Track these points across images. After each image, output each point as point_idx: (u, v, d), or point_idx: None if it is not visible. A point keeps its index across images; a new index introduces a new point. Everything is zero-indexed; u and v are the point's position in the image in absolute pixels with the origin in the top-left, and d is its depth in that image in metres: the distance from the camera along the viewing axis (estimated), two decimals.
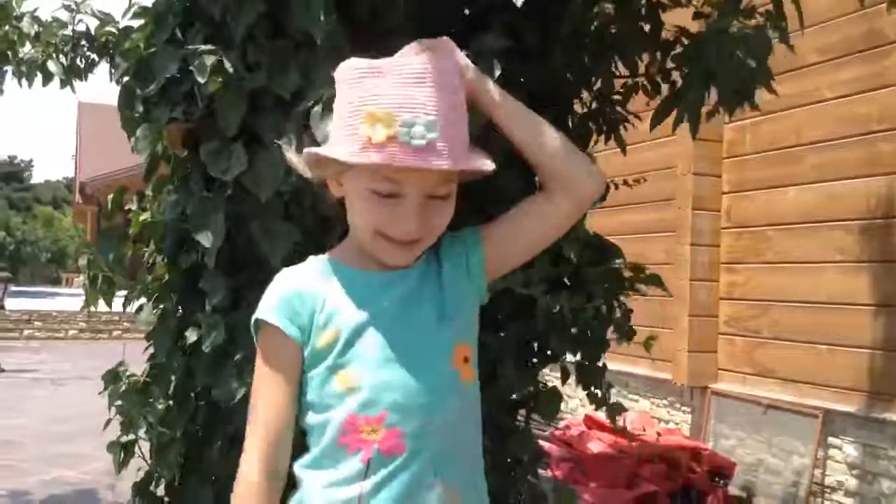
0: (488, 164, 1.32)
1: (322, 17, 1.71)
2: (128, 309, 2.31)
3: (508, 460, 2.26)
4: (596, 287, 2.22)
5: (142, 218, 2.25)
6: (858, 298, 4.73)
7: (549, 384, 2.36)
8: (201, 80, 1.79)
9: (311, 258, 1.43)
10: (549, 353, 2.31)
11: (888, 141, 4.61)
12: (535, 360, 2.32)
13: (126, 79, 2.04)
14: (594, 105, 2.46)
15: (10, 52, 2.97)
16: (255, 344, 1.38)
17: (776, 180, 5.37)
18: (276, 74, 1.81)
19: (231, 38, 1.82)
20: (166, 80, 1.91)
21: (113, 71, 2.30)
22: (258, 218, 1.86)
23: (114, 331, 15.88)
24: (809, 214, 5.11)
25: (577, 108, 2.40)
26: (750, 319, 5.58)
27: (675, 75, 2.33)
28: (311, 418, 1.33)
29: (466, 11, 2.00)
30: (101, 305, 2.35)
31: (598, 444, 5.09)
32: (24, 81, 3.00)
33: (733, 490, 5.17)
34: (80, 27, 2.97)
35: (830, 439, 4.84)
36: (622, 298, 2.38)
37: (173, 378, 2.09)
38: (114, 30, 2.77)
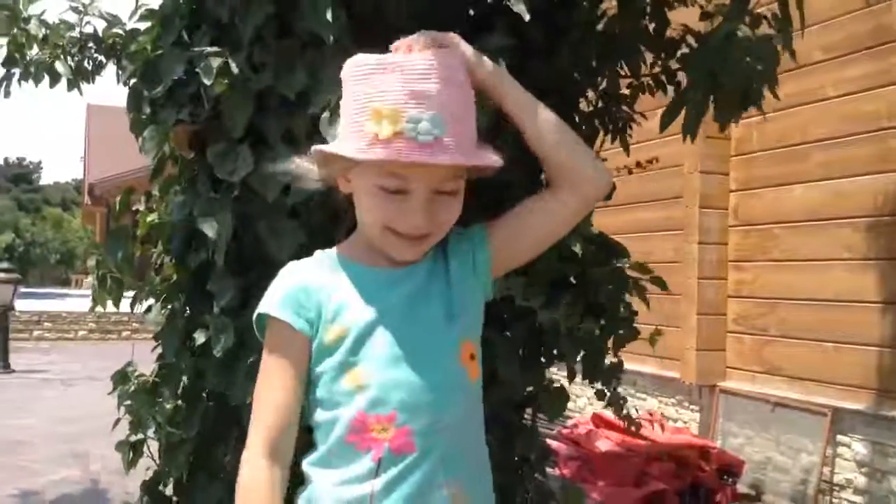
0: (496, 160, 1.32)
1: (329, 17, 1.72)
2: (136, 309, 2.32)
3: (515, 459, 2.26)
4: (601, 288, 2.22)
5: (149, 219, 2.26)
6: (866, 296, 4.72)
7: (557, 383, 2.36)
8: (207, 81, 1.80)
9: (318, 252, 1.43)
10: (554, 352, 2.31)
11: None
12: (541, 359, 2.32)
13: (133, 81, 2.05)
14: (600, 104, 2.46)
15: (17, 55, 2.98)
16: (260, 340, 1.39)
17: (783, 178, 5.37)
18: (283, 74, 1.82)
19: (237, 39, 1.83)
20: (173, 82, 1.92)
21: (120, 73, 2.32)
22: (265, 218, 1.87)
23: (123, 331, 15.92)
24: (817, 212, 5.10)
25: (583, 106, 2.40)
26: (758, 317, 5.57)
27: (681, 76, 2.33)
28: (320, 415, 1.34)
29: (471, 12, 2.00)
30: (110, 306, 2.36)
31: (606, 443, 5.09)
32: (31, 82, 3.01)
33: (742, 488, 5.17)
34: (88, 29, 2.98)
35: (839, 437, 4.84)
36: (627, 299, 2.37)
37: (184, 378, 2.10)
38: (121, 32, 2.78)
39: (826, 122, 5.03)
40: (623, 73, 2.42)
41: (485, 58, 1.38)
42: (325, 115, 1.66)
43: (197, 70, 1.82)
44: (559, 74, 2.11)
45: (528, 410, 2.35)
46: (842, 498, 4.80)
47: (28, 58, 2.98)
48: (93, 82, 3.07)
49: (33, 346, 14.53)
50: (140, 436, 2.30)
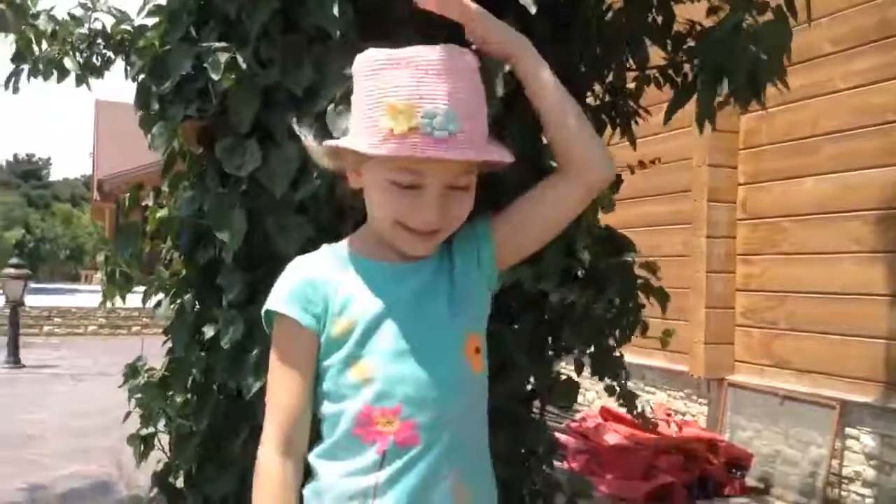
0: (507, 156, 1.32)
1: (336, 12, 1.73)
2: (146, 304, 2.33)
3: (522, 451, 2.26)
4: (608, 282, 2.22)
5: (159, 214, 2.27)
6: (874, 289, 4.71)
7: (566, 376, 2.36)
8: (215, 77, 1.80)
9: (325, 246, 1.44)
10: (563, 343, 2.32)
11: None
12: (550, 351, 2.33)
13: (142, 76, 2.06)
14: (606, 98, 2.46)
15: (26, 51, 3.00)
16: (268, 335, 1.40)
17: (792, 171, 5.36)
18: (290, 70, 1.82)
19: (245, 35, 1.84)
20: (181, 78, 1.93)
21: (129, 68, 2.33)
22: (273, 213, 1.88)
23: (133, 326, 15.96)
24: (825, 205, 5.09)
25: (590, 101, 2.40)
26: (766, 311, 5.56)
27: (687, 68, 2.33)
28: (327, 408, 1.35)
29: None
30: (120, 301, 2.38)
31: (614, 436, 5.10)
32: (40, 78, 3.03)
33: (750, 481, 5.18)
34: (96, 25, 3.00)
35: (847, 430, 4.83)
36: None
37: (194, 372, 2.11)
38: (129, 27, 2.80)
39: (836, 114, 5.01)
40: (629, 67, 2.42)
41: (515, 32, 1.40)
42: (331, 108, 1.66)
43: (205, 65, 1.83)
44: (565, 67, 2.10)
45: (536, 404, 2.36)
46: (850, 490, 4.80)
47: (37, 54, 3.00)
48: (101, 78, 3.09)
49: (43, 341, 14.58)
50: (151, 429, 2.31)
